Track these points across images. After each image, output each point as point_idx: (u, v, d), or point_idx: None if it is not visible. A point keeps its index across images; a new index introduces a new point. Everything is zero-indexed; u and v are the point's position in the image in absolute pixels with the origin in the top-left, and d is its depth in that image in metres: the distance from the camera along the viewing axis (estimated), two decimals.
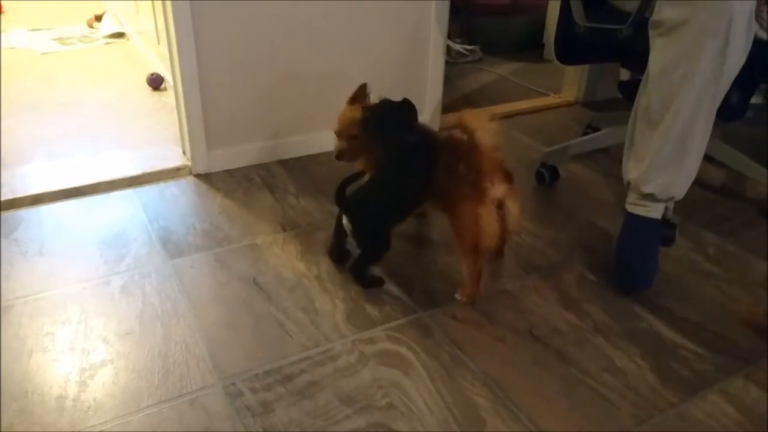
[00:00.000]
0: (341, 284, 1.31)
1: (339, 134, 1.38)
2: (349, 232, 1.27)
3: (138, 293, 1.27)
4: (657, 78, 1.24)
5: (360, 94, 1.37)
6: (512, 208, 1.22)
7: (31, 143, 1.92)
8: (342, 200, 1.25)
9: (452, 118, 1.19)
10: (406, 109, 1.30)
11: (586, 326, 1.22)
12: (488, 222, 1.18)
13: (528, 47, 3.03)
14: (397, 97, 1.31)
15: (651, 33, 1.25)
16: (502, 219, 1.22)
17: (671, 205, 1.39)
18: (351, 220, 1.26)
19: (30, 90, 2.39)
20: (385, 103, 1.31)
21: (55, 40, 3.08)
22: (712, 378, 1.09)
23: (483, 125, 1.14)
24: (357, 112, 1.33)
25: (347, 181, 1.26)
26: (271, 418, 0.99)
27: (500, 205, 1.20)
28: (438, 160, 1.26)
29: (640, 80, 1.31)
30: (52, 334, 1.16)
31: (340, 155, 1.38)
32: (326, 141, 1.90)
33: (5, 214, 1.54)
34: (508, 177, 1.23)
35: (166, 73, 2.32)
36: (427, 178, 1.27)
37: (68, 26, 3.31)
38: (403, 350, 1.14)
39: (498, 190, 1.19)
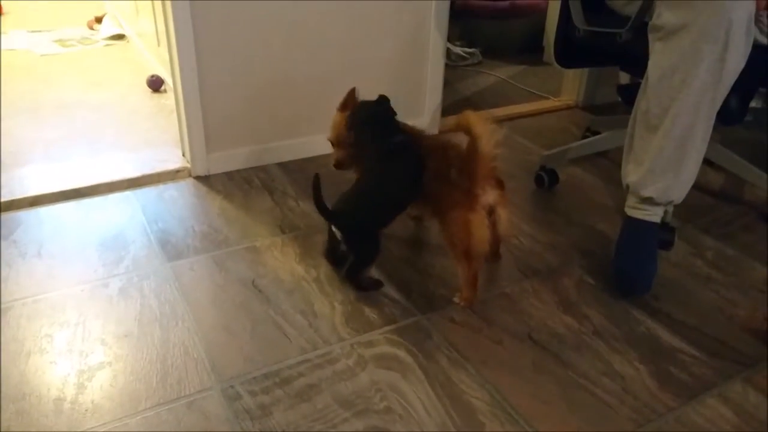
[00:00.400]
0: (340, 287, 1.31)
1: (335, 142, 1.37)
2: (340, 238, 1.26)
3: (136, 295, 1.27)
4: (656, 82, 1.24)
5: (350, 100, 1.36)
6: (503, 214, 1.23)
7: (31, 145, 1.92)
8: (325, 210, 1.24)
9: (454, 119, 1.19)
10: (383, 108, 1.29)
11: (584, 330, 1.21)
12: (479, 228, 1.18)
13: (528, 50, 3.04)
14: (393, 98, 1.31)
15: (650, 37, 1.25)
16: (493, 225, 1.23)
17: (670, 209, 1.39)
18: (340, 229, 1.25)
19: (29, 92, 2.39)
20: (365, 105, 1.31)
21: (55, 41, 3.08)
22: (711, 382, 1.09)
23: (485, 132, 1.14)
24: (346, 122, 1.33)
25: (318, 188, 1.24)
26: (269, 421, 0.99)
27: (491, 211, 1.21)
28: (427, 164, 1.25)
29: (639, 84, 1.31)
30: (50, 336, 1.16)
31: (338, 164, 1.37)
32: (325, 143, 1.89)
33: (4, 216, 1.54)
34: (499, 184, 1.23)
35: (165, 76, 2.32)
36: (411, 179, 1.26)
37: (68, 28, 3.31)
38: (402, 353, 1.14)
39: (489, 196, 1.19)
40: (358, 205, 1.26)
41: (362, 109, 1.31)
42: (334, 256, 1.35)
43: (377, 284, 1.31)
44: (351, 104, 1.35)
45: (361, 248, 1.28)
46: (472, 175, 1.16)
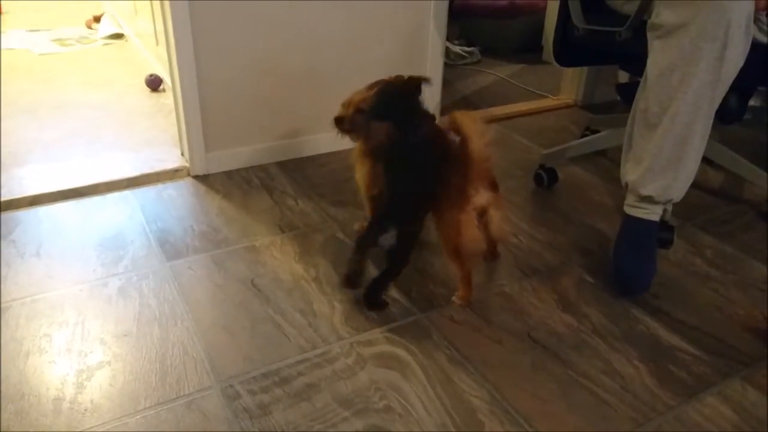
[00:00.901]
0: (339, 286, 1.31)
1: (346, 104, 1.34)
2: (388, 246, 1.17)
3: (135, 295, 1.27)
4: (655, 81, 1.24)
5: (379, 83, 1.34)
6: (495, 215, 1.23)
7: (29, 145, 1.91)
8: (381, 219, 1.19)
9: (445, 121, 1.18)
10: (409, 94, 1.23)
11: (584, 329, 1.21)
12: (468, 228, 1.17)
13: (527, 49, 3.04)
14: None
15: (649, 36, 1.25)
16: (485, 226, 1.22)
17: (669, 208, 1.39)
18: (400, 227, 1.16)
19: (28, 91, 2.39)
20: (389, 90, 1.24)
21: (54, 41, 3.08)
22: (710, 381, 1.09)
23: (477, 133, 1.14)
24: (371, 92, 1.29)
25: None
26: (269, 421, 0.99)
27: (484, 212, 1.21)
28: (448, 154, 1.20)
29: (638, 83, 1.31)
30: (49, 335, 1.16)
31: (339, 119, 1.31)
32: (324, 143, 1.90)
33: (3, 215, 1.54)
34: (493, 185, 1.23)
35: (164, 75, 2.32)
36: (436, 171, 1.20)
37: (67, 27, 3.31)
38: (401, 352, 1.14)
39: (482, 197, 1.19)
40: (403, 203, 1.19)
41: (387, 95, 1.24)
42: (356, 279, 1.25)
43: (385, 305, 1.26)
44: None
45: (406, 255, 1.21)
46: (464, 176, 1.16)
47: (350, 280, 1.26)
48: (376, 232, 1.19)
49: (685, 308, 1.28)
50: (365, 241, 1.23)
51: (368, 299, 1.24)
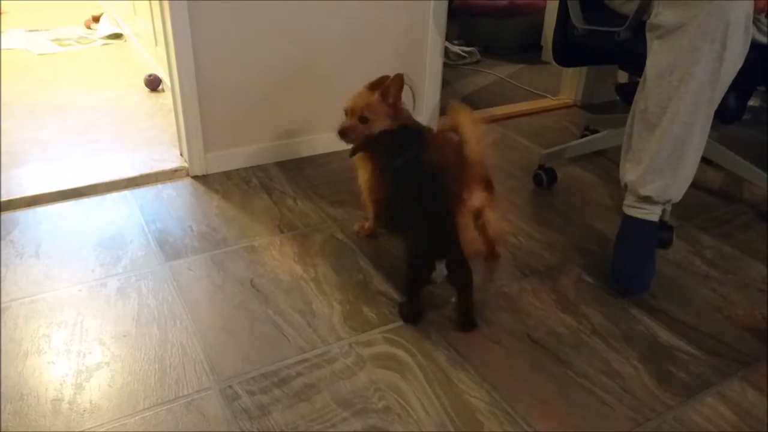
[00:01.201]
0: (338, 287, 1.31)
1: (349, 112, 1.34)
2: (442, 279, 1.16)
3: (134, 295, 1.27)
4: (654, 81, 1.24)
5: (380, 82, 1.34)
6: (491, 216, 1.23)
7: (28, 145, 1.91)
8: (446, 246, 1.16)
9: (446, 119, 1.19)
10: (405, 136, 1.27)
11: (583, 329, 1.21)
12: (465, 231, 1.17)
13: (526, 49, 3.04)
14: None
15: (648, 36, 1.25)
16: (483, 227, 1.22)
17: (669, 208, 1.39)
18: (453, 249, 1.15)
19: (27, 91, 2.39)
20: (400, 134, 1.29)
21: (53, 41, 3.07)
22: (710, 381, 1.09)
23: (474, 135, 1.13)
24: (374, 97, 1.32)
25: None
26: (268, 421, 0.99)
27: (480, 214, 1.21)
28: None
29: (637, 83, 1.31)
30: (48, 336, 1.16)
31: (343, 132, 1.33)
32: (323, 143, 1.90)
33: (2, 216, 1.54)
34: (488, 185, 1.23)
35: (163, 75, 2.32)
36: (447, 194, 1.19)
37: (66, 27, 3.30)
38: (400, 353, 1.14)
39: (476, 200, 1.19)
40: (439, 223, 1.16)
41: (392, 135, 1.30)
42: (418, 316, 1.23)
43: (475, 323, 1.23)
44: (379, 85, 1.33)
45: (467, 270, 1.17)
46: (459, 180, 1.16)
47: (413, 318, 1.23)
48: (424, 276, 1.18)
49: (684, 308, 1.28)
50: (415, 287, 1.22)
51: (464, 328, 1.21)
